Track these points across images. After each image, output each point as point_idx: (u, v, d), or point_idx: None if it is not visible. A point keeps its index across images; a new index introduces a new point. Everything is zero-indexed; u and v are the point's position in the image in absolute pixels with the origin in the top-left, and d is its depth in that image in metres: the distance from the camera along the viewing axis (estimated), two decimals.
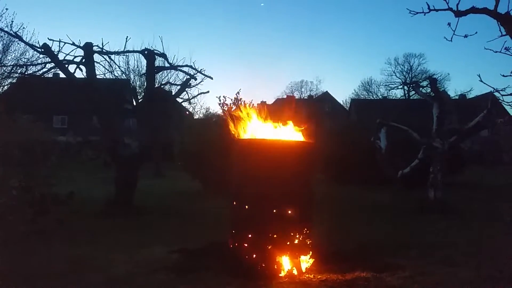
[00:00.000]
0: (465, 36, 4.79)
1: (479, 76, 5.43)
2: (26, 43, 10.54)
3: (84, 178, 16.09)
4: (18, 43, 19.38)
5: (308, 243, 4.95)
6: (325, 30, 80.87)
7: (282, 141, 5.11)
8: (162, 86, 15.00)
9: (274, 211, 4.76)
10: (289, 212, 4.80)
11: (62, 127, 36.05)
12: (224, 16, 77.92)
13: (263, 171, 4.77)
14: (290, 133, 5.28)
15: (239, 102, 13.28)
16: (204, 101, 61.81)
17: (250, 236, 4.81)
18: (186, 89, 10.97)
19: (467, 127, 10.03)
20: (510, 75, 4.73)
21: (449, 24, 4.73)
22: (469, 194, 12.45)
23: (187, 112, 26.59)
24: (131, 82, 27.10)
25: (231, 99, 13.40)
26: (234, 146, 5.25)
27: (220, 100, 13.67)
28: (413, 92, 44.63)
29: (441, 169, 9.66)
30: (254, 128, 5.31)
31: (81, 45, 9.19)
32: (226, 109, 13.57)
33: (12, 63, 19.26)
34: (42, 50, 8.93)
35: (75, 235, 6.88)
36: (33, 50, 11.34)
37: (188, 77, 10.63)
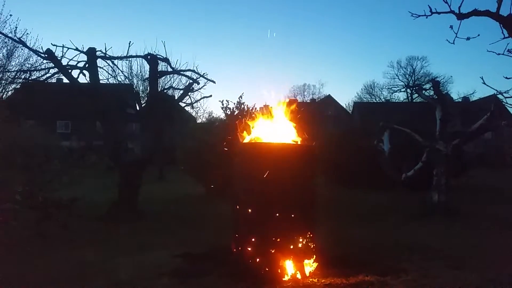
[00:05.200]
0: (468, 38, 4.78)
1: (482, 78, 5.44)
2: (30, 49, 10.59)
3: (87, 183, 16.11)
4: (22, 49, 19.40)
5: (312, 246, 4.94)
6: (327, 33, 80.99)
7: (285, 145, 5.11)
8: (165, 91, 15.03)
9: (277, 214, 4.75)
10: (292, 215, 4.79)
11: (65, 132, 36.16)
12: (226, 20, 78.16)
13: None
14: (292, 136, 5.28)
15: (242, 106, 13.34)
16: (207, 105, 61.82)
17: (253, 240, 4.80)
18: (189, 93, 11.00)
19: (471, 129, 10.00)
20: None
21: (451, 26, 4.73)
22: (472, 197, 12.40)
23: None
24: (134, 87, 27.17)
25: (234, 103, 13.48)
26: (237, 150, 5.26)
27: (223, 104, 13.77)
28: (416, 95, 44.51)
29: (444, 172, 9.62)
30: (257, 131, 5.32)
31: (85, 50, 9.23)
32: (229, 113, 13.64)
33: (16, 69, 19.29)
34: (46, 55, 8.97)
35: (78, 239, 6.89)
36: (36, 56, 11.36)
37: (191, 81, 10.66)
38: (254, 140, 5.26)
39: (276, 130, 5.30)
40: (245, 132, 5.28)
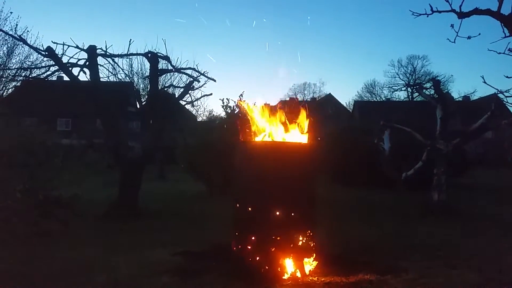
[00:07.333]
0: (469, 37, 4.78)
1: (483, 77, 5.45)
2: (30, 46, 10.62)
3: (88, 181, 16.12)
4: (23, 46, 19.46)
5: (312, 245, 4.94)
6: (328, 32, 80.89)
7: (286, 143, 5.11)
8: (165, 89, 15.02)
9: (277, 213, 4.75)
10: (292, 214, 4.79)
11: (66, 130, 36.11)
12: (226, 18, 78.09)
13: (266, 173, 4.77)
14: (293, 135, 5.27)
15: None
16: (208, 103, 61.78)
17: (253, 238, 4.80)
18: (190, 91, 10.99)
19: (471, 129, 10.00)
20: None
21: (452, 25, 4.73)
22: (472, 196, 12.41)
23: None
24: (135, 85, 27.21)
25: (234, 101, 13.49)
26: (237, 148, 5.25)
27: (223, 103, 13.78)
28: (417, 94, 44.48)
29: (444, 171, 9.62)
30: (258, 130, 5.31)
31: (85, 48, 9.22)
32: (229, 111, 13.65)
33: (16, 66, 19.30)
34: (46, 53, 8.96)
35: (78, 237, 6.90)
36: (37, 53, 11.41)
37: (191, 79, 10.65)
38: (255, 138, 5.25)
39: (277, 128, 5.29)
40: (246, 128, 5.27)
